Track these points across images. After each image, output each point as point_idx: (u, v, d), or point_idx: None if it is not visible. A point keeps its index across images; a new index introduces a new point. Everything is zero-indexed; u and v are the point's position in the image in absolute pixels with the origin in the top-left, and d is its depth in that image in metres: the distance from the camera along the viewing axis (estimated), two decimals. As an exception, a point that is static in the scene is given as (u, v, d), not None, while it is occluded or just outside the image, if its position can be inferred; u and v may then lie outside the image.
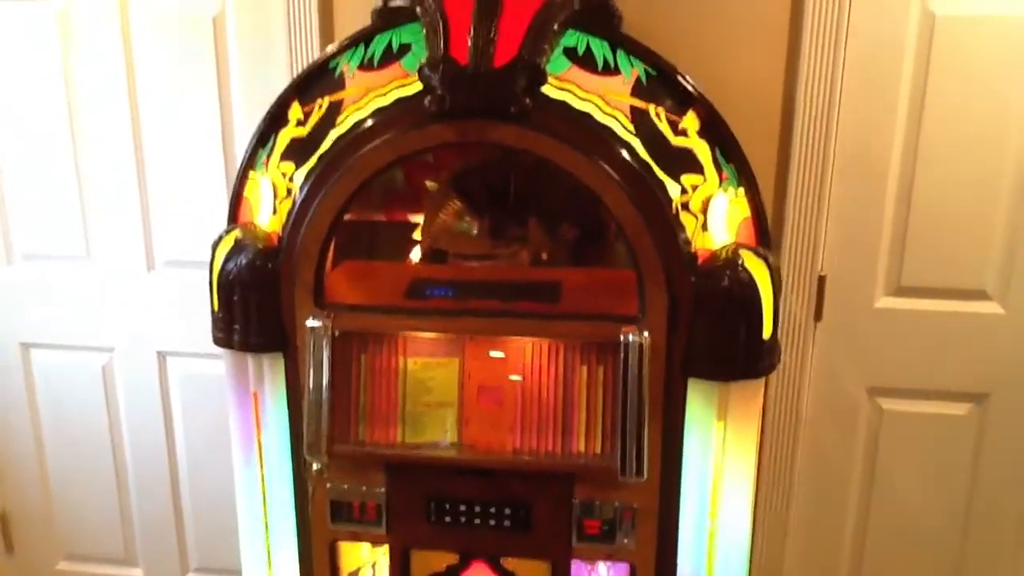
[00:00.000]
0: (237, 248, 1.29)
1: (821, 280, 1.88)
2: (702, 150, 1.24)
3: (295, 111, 1.30)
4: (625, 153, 1.19)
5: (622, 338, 1.22)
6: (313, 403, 1.28)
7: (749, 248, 1.24)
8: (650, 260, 1.20)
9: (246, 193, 1.35)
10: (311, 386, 1.28)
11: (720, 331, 1.21)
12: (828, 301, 1.90)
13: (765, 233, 1.29)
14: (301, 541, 1.40)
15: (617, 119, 1.20)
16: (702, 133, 1.25)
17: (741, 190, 1.27)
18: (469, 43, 1.17)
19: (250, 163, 1.34)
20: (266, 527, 1.41)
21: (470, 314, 1.28)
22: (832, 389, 1.95)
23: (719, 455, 1.28)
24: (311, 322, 1.27)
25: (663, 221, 1.19)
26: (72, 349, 2.13)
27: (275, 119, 1.32)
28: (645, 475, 1.24)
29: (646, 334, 1.22)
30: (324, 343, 1.27)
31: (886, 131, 1.79)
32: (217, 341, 1.33)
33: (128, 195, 1.99)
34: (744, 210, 1.28)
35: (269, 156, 1.32)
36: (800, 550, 2.07)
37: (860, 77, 1.77)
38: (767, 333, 1.22)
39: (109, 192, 1.99)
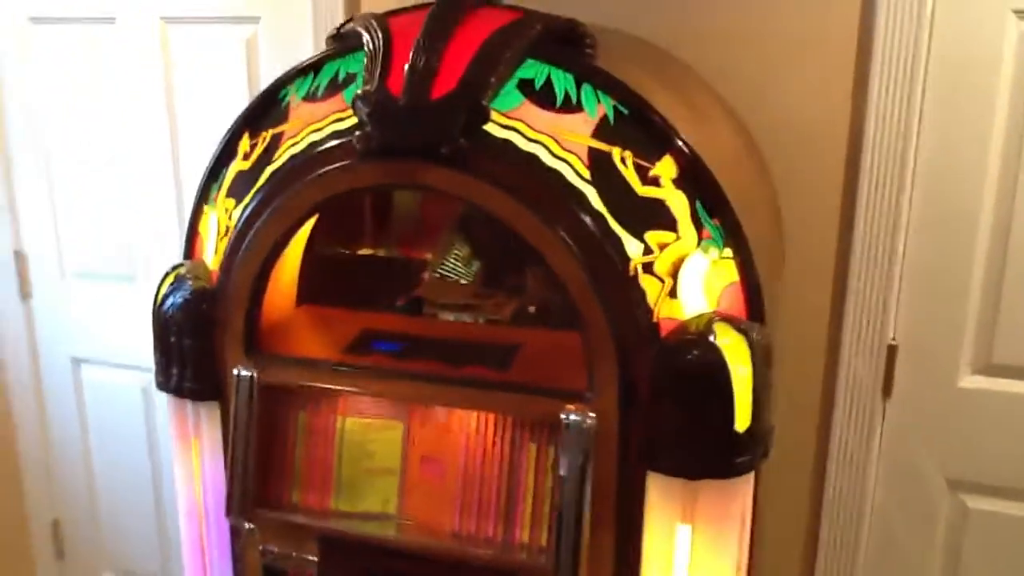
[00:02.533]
0: (176, 286, 1.21)
1: (892, 350, 1.62)
2: (677, 202, 1.05)
3: (243, 144, 1.21)
4: (574, 203, 1.01)
5: (563, 418, 1.04)
6: (237, 460, 1.17)
7: (729, 319, 1.03)
8: (598, 330, 1.02)
9: (200, 228, 1.27)
10: (235, 441, 1.17)
11: (681, 418, 1.02)
12: (901, 375, 1.64)
13: (757, 302, 1.08)
14: (240, 605, 1.29)
15: (569, 163, 1.03)
16: (679, 182, 1.05)
17: (728, 251, 1.07)
18: (405, 73, 1.04)
19: (203, 197, 1.26)
20: (204, 585, 1.31)
21: (407, 376, 1.13)
22: (905, 477, 1.68)
23: (689, 565, 1.08)
24: (237, 371, 1.17)
25: (616, 284, 1.01)
26: (118, 367, 2.14)
27: (225, 151, 1.23)
28: (579, 581, 1.05)
29: (592, 416, 1.03)
30: (250, 395, 1.16)
31: (975, 176, 1.52)
32: (157, 384, 1.25)
33: (170, 217, 1.98)
34: (730, 275, 1.07)
35: (219, 191, 1.23)
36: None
37: (943, 112, 1.52)
38: (741, 424, 1.01)
39: (156, 214, 1.99)
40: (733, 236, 1.07)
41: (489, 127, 1.04)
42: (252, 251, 1.13)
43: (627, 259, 1.02)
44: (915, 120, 1.52)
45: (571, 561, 1.05)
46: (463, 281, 1.39)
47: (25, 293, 2.18)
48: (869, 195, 1.56)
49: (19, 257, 2.16)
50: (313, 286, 1.34)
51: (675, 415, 1.02)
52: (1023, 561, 1.64)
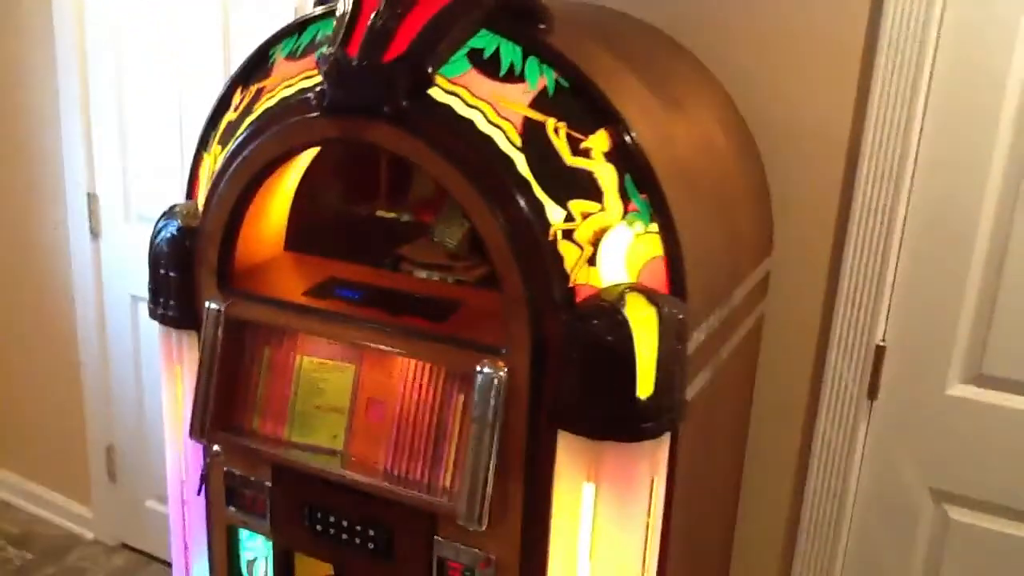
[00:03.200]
0: (166, 223, 1.33)
1: (879, 351, 1.60)
2: (606, 175, 1.10)
3: (236, 96, 1.32)
4: (500, 168, 1.07)
5: (476, 369, 1.10)
6: (201, 385, 1.28)
7: (644, 292, 1.07)
8: (514, 289, 1.07)
9: (199, 172, 1.38)
10: (201, 368, 1.28)
11: (585, 381, 1.06)
12: (888, 378, 1.62)
13: (679, 278, 1.12)
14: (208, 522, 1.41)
15: (503, 130, 1.09)
16: (611, 156, 1.10)
17: (654, 226, 1.11)
18: (363, 36, 1.12)
19: (202, 144, 1.37)
20: (182, 503, 1.44)
21: (352, 320, 1.22)
22: (887, 483, 1.67)
23: (593, 521, 1.13)
24: (208, 304, 1.28)
25: (533, 248, 1.07)
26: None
27: (222, 103, 1.34)
28: (484, 525, 1.11)
29: (503, 370, 1.09)
30: (216, 326, 1.27)
31: (976, 185, 1.49)
32: (149, 313, 1.38)
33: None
34: (655, 249, 1.11)
35: (214, 139, 1.34)
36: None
37: (946, 118, 1.49)
38: (644, 392, 1.05)
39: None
40: (660, 213, 1.10)
41: (433, 91, 1.11)
42: (223, 195, 1.24)
43: (547, 224, 1.07)
44: (916, 125, 1.50)
45: (476, 505, 1.11)
46: (450, 245, 1.46)
47: (95, 232, 2.37)
48: (865, 196, 1.55)
49: (92, 198, 2.35)
50: (311, 236, 1.44)
51: (580, 378, 1.07)
52: (1001, 573, 1.60)
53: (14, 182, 2.54)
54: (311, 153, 1.31)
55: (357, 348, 1.25)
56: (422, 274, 1.41)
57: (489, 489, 1.11)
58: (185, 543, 1.46)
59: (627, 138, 1.10)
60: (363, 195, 1.61)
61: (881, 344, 1.61)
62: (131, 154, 2.28)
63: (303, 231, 1.41)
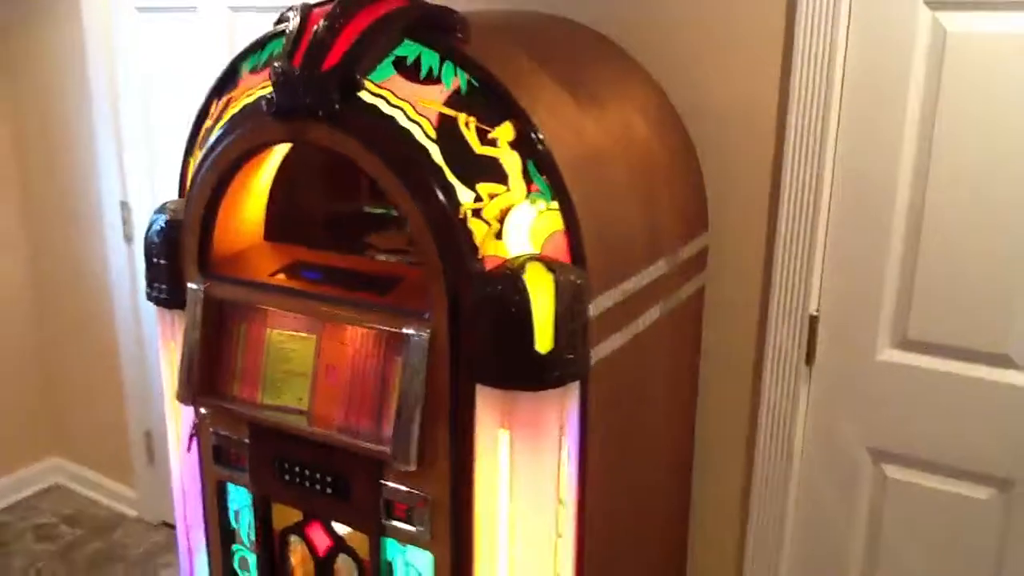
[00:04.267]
0: (157, 218, 1.54)
1: (813, 320, 1.73)
2: (510, 160, 1.27)
3: (213, 106, 1.52)
4: (418, 158, 1.25)
5: (404, 332, 1.28)
6: (185, 355, 1.49)
7: (544, 260, 1.24)
8: (432, 262, 1.25)
9: (187, 174, 1.59)
10: (186, 341, 1.49)
11: (492, 338, 1.23)
12: (822, 345, 1.75)
13: (579, 249, 1.28)
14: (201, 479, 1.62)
15: (420, 125, 1.27)
16: (515, 145, 1.27)
17: (554, 204, 1.27)
18: (305, 49, 1.31)
19: (188, 150, 1.58)
20: (181, 465, 1.65)
21: (309, 296, 1.41)
22: (829, 445, 1.80)
23: (509, 464, 1.29)
24: (189, 285, 1.49)
25: (447, 225, 1.24)
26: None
27: (202, 113, 1.55)
28: (413, 465, 1.29)
29: (426, 332, 1.27)
30: (198, 304, 1.47)
31: (890, 158, 1.62)
32: (147, 296, 1.60)
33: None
34: (555, 224, 1.28)
35: (197, 144, 1.55)
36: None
37: (860, 98, 1.62)
38: (543, 347, 1.22)
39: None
40: (560, 192, 1.27)
41: (363, 94, 1.30)
42: (198, 192, 1.44)
43: (458, 205, 1.25)
44: (834, 106, 1.63)
45: (405, 448, 1.29)
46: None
47: (128, 237, 2.63)
48: (793, 175, 1.68)
49: (125, 206, 2.61)
50: (294, 228, 1.64)
51: (488, 336, 1.23)
52: (939, 531, 1.71)
53: (55, 195, 2.81)
54: (281, 154, 1.51)
55: (318, 321, 1.44)
56: (382, 257, 1.60)
57: (416, 434, 1.28)
58: (184, 500, 1.67)
59: (529, 128, 1.26)
60: (350, 192, 1.80)
61: (815, 314, 1.73)
62: (158, 166, 2.52)
63: (286, 224, 1.60)
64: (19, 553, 2.77)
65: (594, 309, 1.32)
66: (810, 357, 1.76)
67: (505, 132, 1.27)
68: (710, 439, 1.89)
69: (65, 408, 3.06)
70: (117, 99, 2.53)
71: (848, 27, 1.59)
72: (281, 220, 1.63)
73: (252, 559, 1.60)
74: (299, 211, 1.65)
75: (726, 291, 1.79)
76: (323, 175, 1.74)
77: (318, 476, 1.44)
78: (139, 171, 2.55)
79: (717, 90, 1.71)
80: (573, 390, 1.29)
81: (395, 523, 1.40)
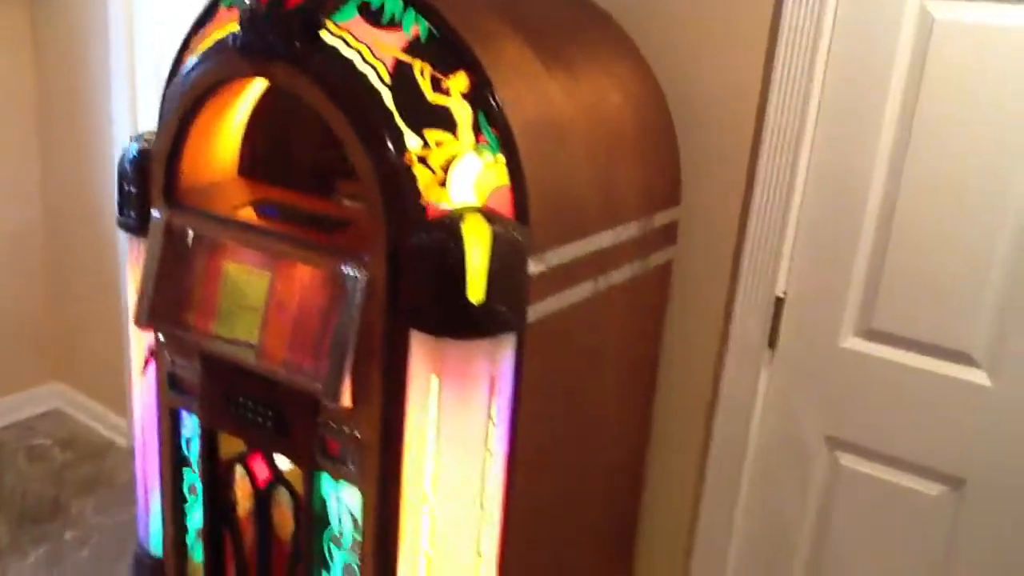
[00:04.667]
0: (131, 147, 1.58)
1: (779, 302, 1.73)
2: (461, 110, 1.28)
3: (192, 40, 1.55)
4: (369, 101, 1.27)
5: (342, 270, 1.30)
6: (143, 280, 1.53)
7: (485, 212, 1.25)
8: (374, 204, 1.27)
9: (166, 104, 1.62)
10: (145, 266, 1.53)
11: (426, 285, 1.25)
12: (786, 329, 1.74)
13: (523, 205, 1.29)
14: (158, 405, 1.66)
15: (376, 69, 1.28)
16: (468, 96, 1.28)
17: (501, 157, 1.28)
18: (272, -13, 1.33)
19: (170, 79, 1.61)
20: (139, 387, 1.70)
21: (259, 232, 1.44)
22: (785, 427, 1.79)
23: (439, 410, 1.31)
24: (153, 212, 1.52)
25: (391, 170, 1.26)
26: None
27: (184, 46, 1.57)
28: (340, 401, 1.32)
29: (364, 273, 1.29)
30: (159, 231, 1.51)
31: (868, 148, 1.60)
32: (117, 223, 1.64)
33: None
34: (502, 178, 1.29)
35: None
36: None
37: (842, 85, 1.60)
38: (475, 296, 1.23)
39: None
40: (508, 147, 1.28)
41: (324, 34, 1.31)
42: (166, 121, 1.47)
43: (404, 149, 1.26)
44: (815, 91, 1.61)
45: (333, 384, 1.32)
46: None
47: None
48: (769, 158, 1.67)
49: (133, 142, 2.66)
50: (271, 167, 1.67)
51: (422, 282, 1.25)
52: (889, 523, 1.70)
53: (70, 127, 2.88)
54: (256, 91, 1.54)
55: (272, 258, 1.47)
56: (347, 202, 1.62)
57: (346, 372, 1.31)
58: (142, 424, 1.71)
59: (483, 81, 1.27)
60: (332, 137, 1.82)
61: (781, 296, 1.73)
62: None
63: (265, 164, 1.63)
64: (10, 472, 2.86)
65: (535, 266, 1.33)
66: (773, 340, 1.75)
67: (458, 82, 1.28)
68: (669, 415, 1.89)
69: (69, 336, 3.14)
70: (133, 36, 2.57)
71: (835, 13, 1.58)
72: (261, 159, 1.66)
73: (200, 486, 1.64)
74: (281, 152, 1.68)
75: (695, 267, 1.78)
76: (309, 118, 1.76)
77: (261, 409, 1.48)
78: (151, 107, 2.60)
79: (701, 72, 1.70)
80: (506, 343, 1.31)
81: (328, 460, 1.42)
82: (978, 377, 1.57)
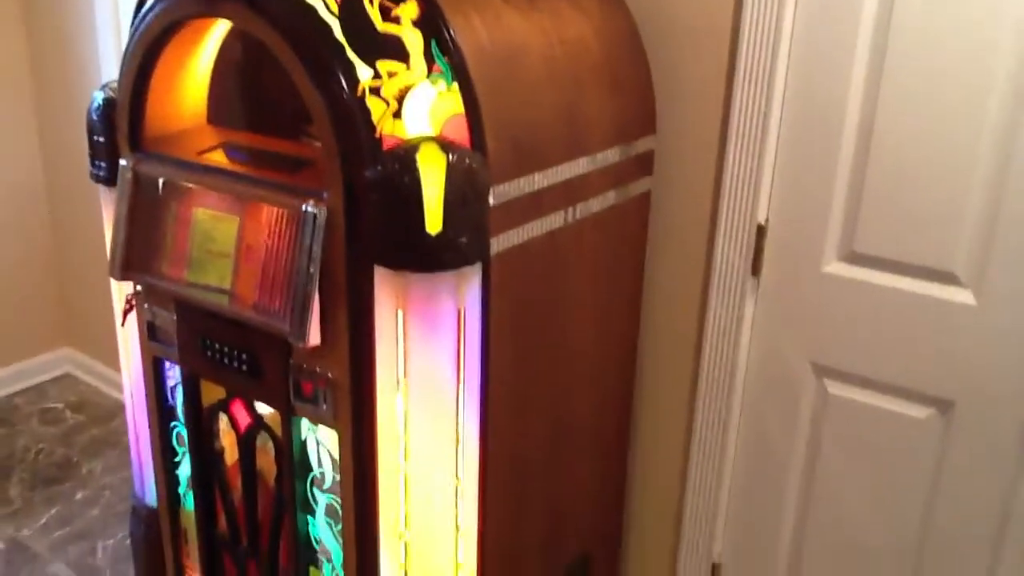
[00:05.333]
0: (97, 97, 1.57)
1: (760, 229, 1.70)
2: (412, 39, 1.25)
3: (150, -15, 1.53)
4: (318, 33, 1.24)
5: (302, 208, 1.29)
6: (115, 231, 1.52)
7: (440, 142, 1.23)
8: (328, 139, 1.25)
9: (131, 54, 1.61)
10: (116, 217, 1.52)
11: (383, 218, 1.23)
12: (769, 256, 1.72)
13: (479, 134, 1.27)
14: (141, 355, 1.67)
15: (324, 0, 1.26)
16: (418, 23, 1.25)
17: (455, 86, 1.26)
18: (222, -76, 1.31)
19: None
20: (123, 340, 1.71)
21: (218, 173, 1.43)
22: (772, 356, 1.77)
23: (406, 344, 1.31)
24: (120, 161, 1.51)
25: (344, 102, 1.24)
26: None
27: (142, -10, 1.55)
28: (306, 341, 1.31)
29: (322, 209, 1.28)
30: (127, 180, 1.50)
31: (843, 70, 1.57)
32: (90, 176, 1.63)
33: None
34: (456, 106, 1.26)
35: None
36: (733, 530, 1.91)
37: (814, 7, 1.57)
38: (433, 228, 1.22)
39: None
40: (461, 74, 1.25)
41: (272, -30, 1.29)
42: (127, 68, 1.46)
43: (356, 81, 1.24)
44: (788, 12, 1.57)
45: (298, 323, 1.31)
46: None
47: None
48: (745, 84, 1.63)
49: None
50: (239, 113, 1.65)
51: (380, 215, 1.24)
52: (877, 448, 1.69)
53: (64, 86, 2.87)
54: (219, 35, 1.52)
55: (240, 202, 1.46)
56: (317, 143, 1.60)
57: (310, 311, 1.30)
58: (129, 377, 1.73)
59: (433, 8, 1.24)
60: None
61: (762, 224, 1.69)
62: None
63: (232, 109, 1.62)
64: (24, 433, 2.91)
65: (497, 197, 1.31)
66: (756, 268, 1.72)
67: (408, 10, 1.25)
68: (654, 350, 1.87)
69: (78, 302, 3.17)
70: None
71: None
72: (230, 107, 1.64)
73: (187, 435, 1.65)
74: (251, 98, 1.66)
75: (673, 197, 1.75)
76: (275, 60, 1.74)
77: (236, 354, 1.48)
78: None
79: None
80: (470, 276, 1.29)
81: (303, 403, 1.42)
82: (963, 296, 1.54)
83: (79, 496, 2.59)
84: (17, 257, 3.06)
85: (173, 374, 1.65)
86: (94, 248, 2.93)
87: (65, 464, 2.74)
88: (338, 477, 1.46)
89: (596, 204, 1.54)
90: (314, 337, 1.33)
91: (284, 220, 1.37)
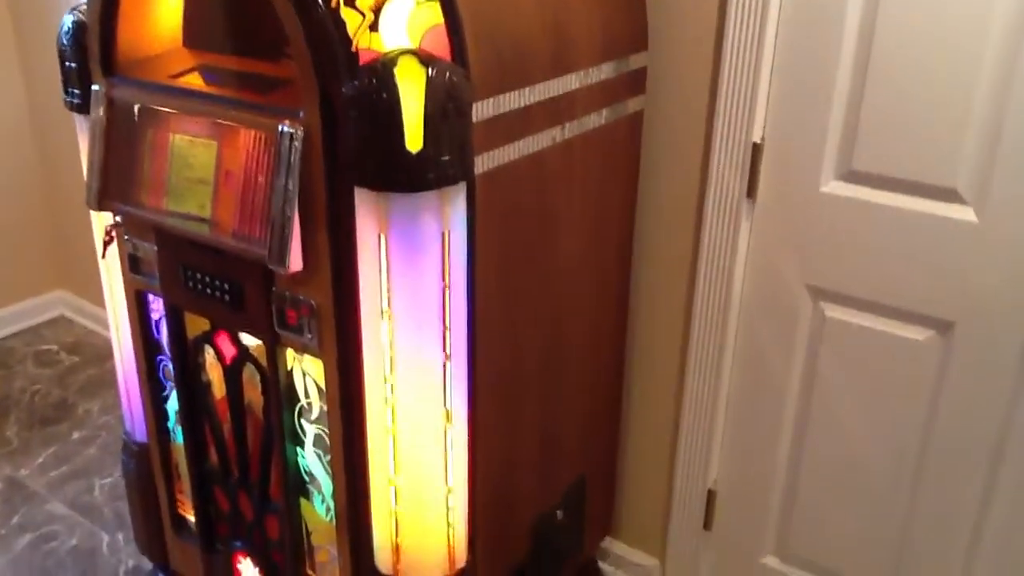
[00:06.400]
0: (66, 20, 1.51)
1: (756, 149, 1.65)
2: (388, -54, 1.19)
3: (116, -100, 1.46)
4: (288, -60, 1.18)
5: (278, 128, 1.24)
6: (90, 159, 1.48)
7: (419, 55, 1.17)
8: (302, 55, 1.20)
9: (100, -25, 1.54)
10: (91, 144, 1.48)
11: (362, 136, 1.18)
12: (765, 176, 1.67)
13: (460, 46, 1.21)
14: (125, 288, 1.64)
15: (294, -93, 1.19)
16: (393, -70, 1.19)
17: (434, -4, 1.20)
18: None
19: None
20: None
21: (192, 96, 1.38)
22: (768, 280, 1.73)
23: (389, 268, 1.27)
24: (93, 87, 1.46)
25: (317, 15, 1.18)
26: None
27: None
28: (285, 266, 1.27)
29: (299, 129, 1.23)
30: (100, 105, 1.45)
31: (842, -24, 1.49)
32: (64, 104, 1.58)
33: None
34: (435, 17, 1.21)
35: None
36: (729, 455, 1.89)
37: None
38: (413, 146, 1.17)
39: None
40: (441, -18, 1.19)
41: None
42: (95, -11, 1.40)
43: (330, -8, 1.18)
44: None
45: (278, 248, 1.27)
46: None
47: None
48: (740, -5, 1.57)
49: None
50: (217, 36, 1.59)
51: (358, 133, 1.19)
52: (875, 371, 1.66)
53: (47, 23, 2.79)
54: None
55: (218, 127, 1.41)
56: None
57: (289, 235, 1.26)
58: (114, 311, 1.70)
59: (409, -88, 1.18)
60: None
61: (758, 142, 1.64)
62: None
63: (209, 32, 1.55)
64: (20, 375, 2.90)
65: (481, 114, 1.26)
66: (752, 189, 1.68)
67: (383, -83, 1.19)
68: (648, 271, 1.83)
69: (72, 245, 3.13)
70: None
71: None
72: (207, 29, 1.58)
73: (173, 368, 1.62)
74: (229, 20, 1.59)
75: (667, 115, 1.70)
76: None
77: (218, 284, 1.44)
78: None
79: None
80: (454, 196, 1.25)
81: (287, 332, 1.39)
82: (964, 214, 1.49)
83: (75, 436, 2.58)
84: (6, 199, 3.01)
85: (157, 307, 1.61)
86: (78, 193, 2.89)
87: (61, 405, 2.73)
88: (325, 407, 1.43)
89: (587, 123, 1.49)
90: (295, 262, 1.29)
91: (261, 142, 1.33)
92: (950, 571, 1.68)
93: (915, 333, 1.60)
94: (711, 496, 1.92)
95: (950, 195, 1.49)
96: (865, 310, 1.64)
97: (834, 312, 1.67)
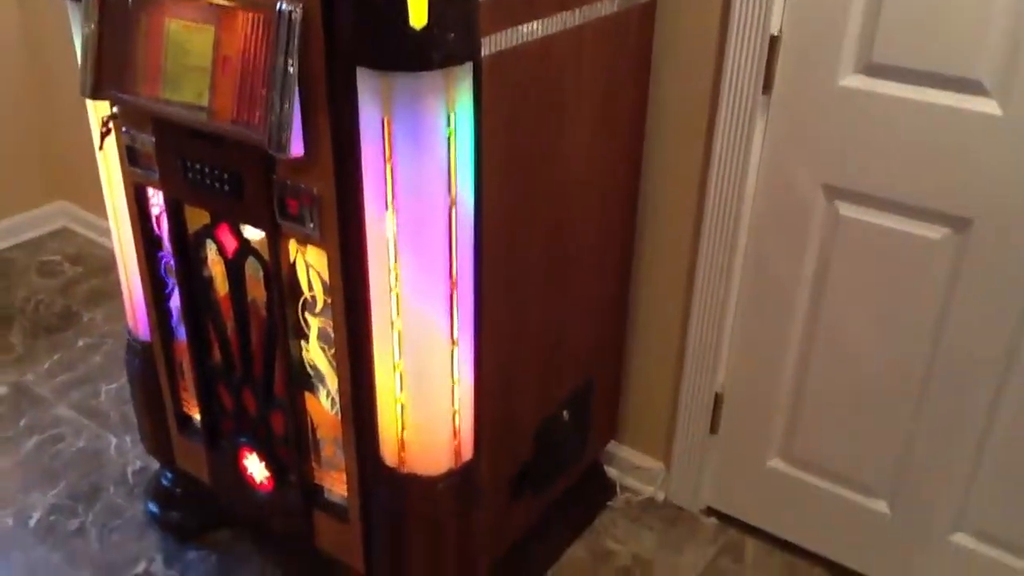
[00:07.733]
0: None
1: (773, 41, 1.59)
2: None
3: None
4: None
5: (276, 8, 1.20)
6: (83, 47, 1.43)
7: (419, -69, 1.12)
8: (300, -76, 1.14)
9: None
10: (83, 31, 1.43)
11: (363, 14, 1.14)
12: (782, 70, 1.61)
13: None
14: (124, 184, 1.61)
15: None
16: None
17: None
18: None
19: None
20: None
21: (196, -24, 1.32)
22: (783, 177, 1.69)
23: (392, 153, 1.23)
24: (83, -30, 1.41)
25: None
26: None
27: None
28: (285, 151, 1.24)
29: (296, 7, 1.18)
30: (92, -9, 1.40)
31: None
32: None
33: None
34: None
35: None
36: (737, 359, 1.88)
37: None
38: (417, 21, 1.12)
39: None
40: None
41: None
42: None
43: None
44: None
45: (276, 132, 1.23)
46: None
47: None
48: None
49: None
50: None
51: (359, 9, 1.14)
52: (888, 271, 1.63)
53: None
54: None
55: (214, 11, 1.35)
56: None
57: (288, 118, 1.22)
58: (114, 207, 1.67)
59: None
60: None
61: (775, 34, 1.59)
62: None
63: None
64: (22, 286, 2.88)
65: (486, -6, 1.20)
66: (768, 84, 1.62)
67: None
68: (659, 169, 1.79)
69: (75, 155, 3.08)
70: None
71: None
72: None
73: (175, 264, 1.60)
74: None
75: (681, 5, 1.64)
76: None
77: (217, 174, 1.41)
78: None
79: None
80: (460, 77, 1.20)
81: (289, 222, 1.36)
82: (988, 106, 1.45)
83: (81, 343, 2.58)
84: (3, 112, 2.96)
85: (157, 201, 1.58)
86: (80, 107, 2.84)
87: (65, 314, 2.73)
88: (328, 300, 1.41)
89: (598, 9, 1.44)
90: (296, 147, 1.25)
91: (260, 24, 1.28)
92: (952, 478, 1.68)
93: (931, 232, 1.57)
94: (718, 400, 1.91)
95: (974, 87, 1.45)
96: (880, 208, 1.61)
97: (848, 211, 1.64)
